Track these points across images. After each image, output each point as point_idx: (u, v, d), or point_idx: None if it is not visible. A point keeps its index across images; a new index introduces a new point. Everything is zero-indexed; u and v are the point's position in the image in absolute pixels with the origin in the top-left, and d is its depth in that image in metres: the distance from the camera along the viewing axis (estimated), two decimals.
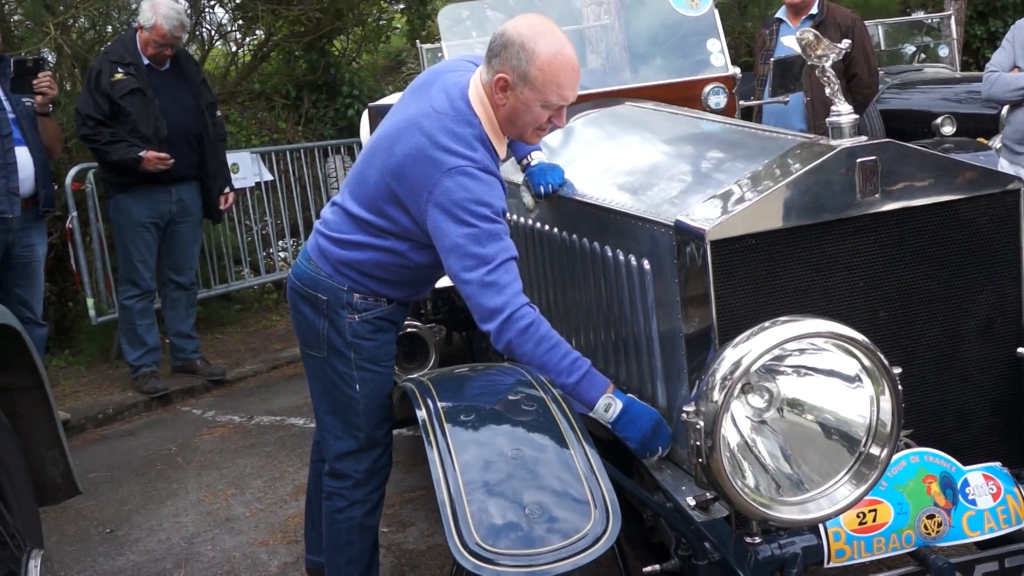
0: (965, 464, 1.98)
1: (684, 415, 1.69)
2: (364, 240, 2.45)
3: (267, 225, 7.38)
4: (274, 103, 8.17)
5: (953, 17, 7.93)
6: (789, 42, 4.84)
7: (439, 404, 1.89)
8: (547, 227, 2.83)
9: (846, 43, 2.08)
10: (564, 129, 3.36)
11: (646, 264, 2.22)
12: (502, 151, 2.40)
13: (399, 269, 2.48)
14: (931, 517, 1.93)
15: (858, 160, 1.92)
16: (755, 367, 1.64)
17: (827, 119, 2.00)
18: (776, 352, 1.67)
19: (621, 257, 2.34)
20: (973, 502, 1.96)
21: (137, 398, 5.51)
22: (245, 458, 4.64)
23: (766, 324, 1.67)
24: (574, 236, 2.63)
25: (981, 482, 1.97)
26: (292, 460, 4.53)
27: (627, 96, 3.57)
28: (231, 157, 6.68)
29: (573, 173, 2.86)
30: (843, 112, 1.97)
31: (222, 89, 7.89)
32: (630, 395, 2.21)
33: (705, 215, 1.98)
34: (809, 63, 2.05)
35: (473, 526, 1.61)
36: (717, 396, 1.64)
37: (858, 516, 1.91)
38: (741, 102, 3.72)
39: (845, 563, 1.93)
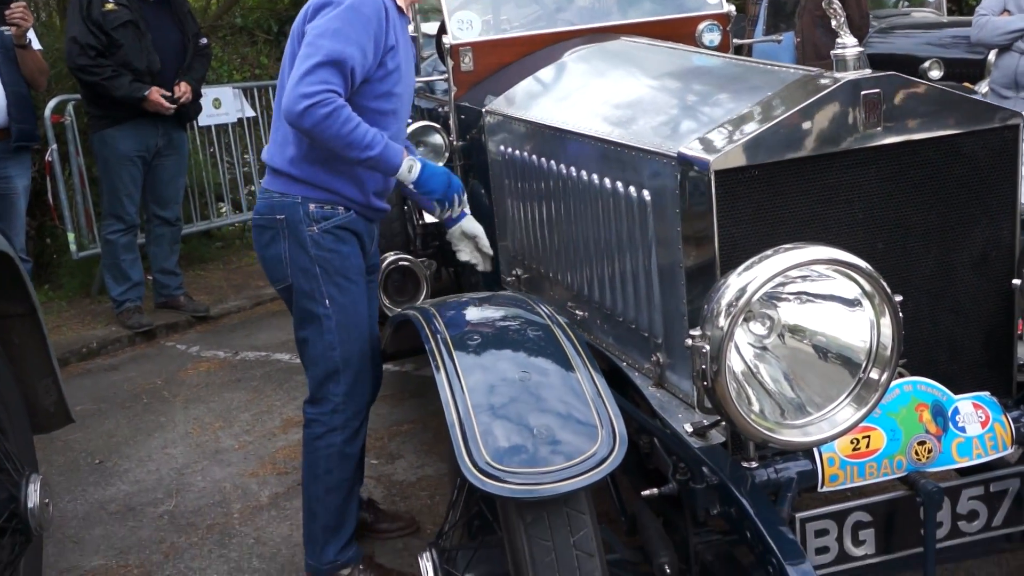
0: (956, 393, 2.02)
1: (689, 340, 1.72)
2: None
3: (249, 162, 7.31)
4: (256, 38, 8.05)
5: None
6: None
7: (445, 329, 1.91)
8: (543, 160, 2.83)
9: None
10: (556, 64, 3.36)
11: (647, 195, 2.23)
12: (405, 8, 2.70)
13: None
14: (922, 443, 1.98)
15: (862, 92, 1.94)
16: (760, 293, 1.66)
17: (832, 51, 2.00)
18: (779, 279, 1.69)
19: (621, 189, 2.35)
20: (963, 429, 2.01)
21: (121, 333, 5.50)
22: (232, 392, 4.66)
23: (770, 251, 1.70)
24: (571, 168, 2.64)
25: (971, 410, 2.02)
26: (279, 394, 4.56)
27: (620, 32, 3.55)
28: (213, 92, 6.60)
29: (568, 107, 2.86)
30: (848, 44, 1.98)
31: (202, 23, 7.76)
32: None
33: (709, 146, 1.99)
34: None
35: (482, 446, 1.64)
36: (723, 322, 1.67)
37: (852, 442, 1.95)
38: (735, 40, 3.71)
39: (838, 487, 1.98)
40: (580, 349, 1.85)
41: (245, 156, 7.29)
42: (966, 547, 2.10)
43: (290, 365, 4.92)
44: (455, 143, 3.60)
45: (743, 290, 1.67)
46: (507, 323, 1.96)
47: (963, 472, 2.07)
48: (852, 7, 4.91)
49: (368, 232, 2.76)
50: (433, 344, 1.88)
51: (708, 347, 1.67)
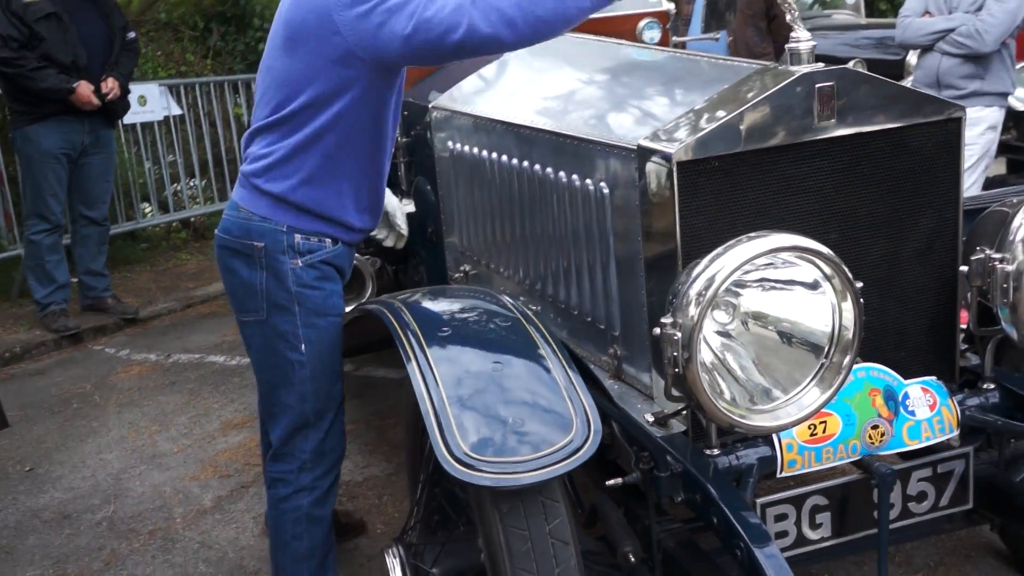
0: (904, 379, 2.09)
1: (658, 329, 1.74)
2: (300, 138, 2.23)
3: (176, 162, 7.17)
4: (181, 34, 7.88)
5: None
6: None
7: (413, 321, 1.90)
8: (495, 155, 2.83)
9: None
10: (500, 61, 3.36)
11: (604, 188, 2.25)
12: None
13: (349, 149, 2.26)
14: (875, 427, 2.04)
15: (817, 85, 1.98)
16: (729, 281, 1.69)
17: (787, 45, 2.05)
18: (747, 267, 1.72)
19: (577, 182, 2.37)
20: (912, 413, 2.07)
21: (46, 336, 5.34)
22: (166, 395, 4.56)
23: (735, 241, 1.73)
24: (525, 163, 2.64)
25: (920, 394, 2.09)
26: (216, 397, 4.47)
27: None
28: (138, 89, 6.45)
29: (518, 102, 2.87)
30: (802, 39, 2.02)
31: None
32: None
33: (669, 138, 2.01)
34: None
35: (459, 436, 1.64)
36: (693, 311, 1.70)
37: (809, 428, 2.00)
38: (674, 38, 3.76)
39: (797, 472, 2.03)
40: (550, 340, 1.86)
41: (171, 156, 7.14)
42: (915, 527, 2.16)
43: (226, 367, 4.84)
44: (399, 139, 3.58)
45: (712, 279, 1.70)
46: (475, 315, 1.96)
47: (905, 457, 2.13)
48: (782, 9, 5.02)
49: (350, 264, 2.51)
50: (403, 337, 1.86)
51: (680, 335, 1.69)
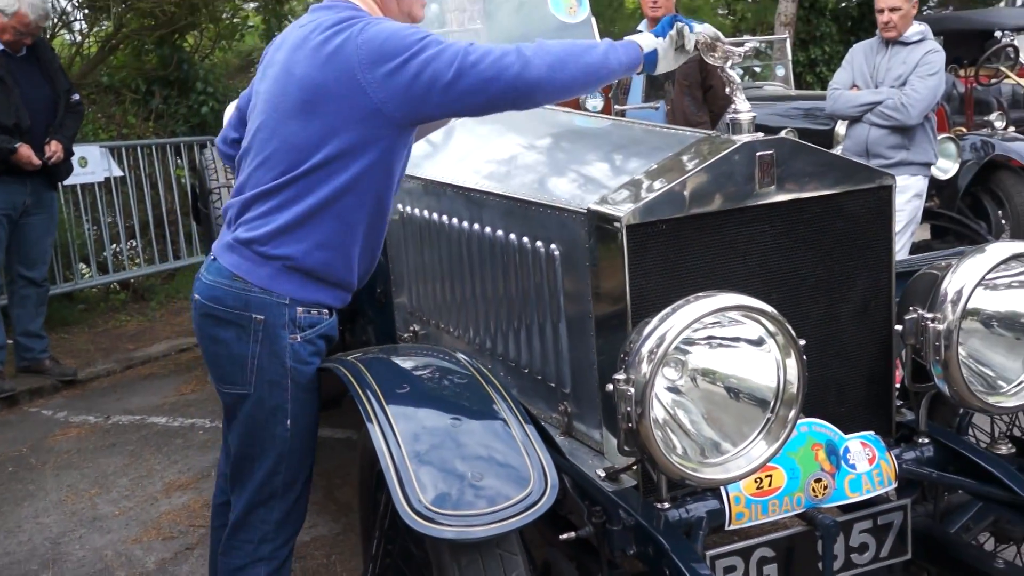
0: (844, 433, 2.17)
1: (612, 385, 1.79)
2: (315, 200, 2.12)
3: (117, 223, 7.11)
4: (123, 97, 7.87)
5: (788, 40, 8.47)
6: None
7: (373, 381, 1.92)
8: (445, 217, 2.89)
9: (741, 48, 2.25)
10: (446, 128, 3.44)
11: (555, 250, 2.31)
12: None
13: (364, 210, 2.19)
14: (818, 481, 2.11)
15: (757, 153, 2.08)
16: (680, 339, 1.76)
17: (728, 116, 2.15)
18: (695, 325, 1.79)
19: (528, 244, 2.43)
20: (853, 466, 2.15)
21: None
22: (106, 457, 4.47)
23: (687, 299, 1.80)
24: (475, 226, 2.70)
25: (859, 448, 2.17)
26: (158, 458, 4.40)
27: None
28: (79, 151, 6.42)
29: (467, 167, 2.93)
30: (742, 110, 2.13)
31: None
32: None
33: (618, 202, 2.09)
34: (710, 61, 2.21)
35: (419, 491, 1.66)
36: (645, 367, 1.75)
37: (756, 481, 2.06)
38: (616, 107, 3.89)
39: (744, 525, 2.08)
40: (506, 396, 1.90)
41: (110, 217, 7.08)
42: None
43: (168, 428, 4.77)
44: None
45: (663, 337, 1.76)
46: (432, 372, 1.99)
47: (845, 510, 2.19)
48: (716, 78, 5.21)
49: (337, 333, 2.39)
50: (362, 395, 1.89)
51: (632, 391, 1.75)
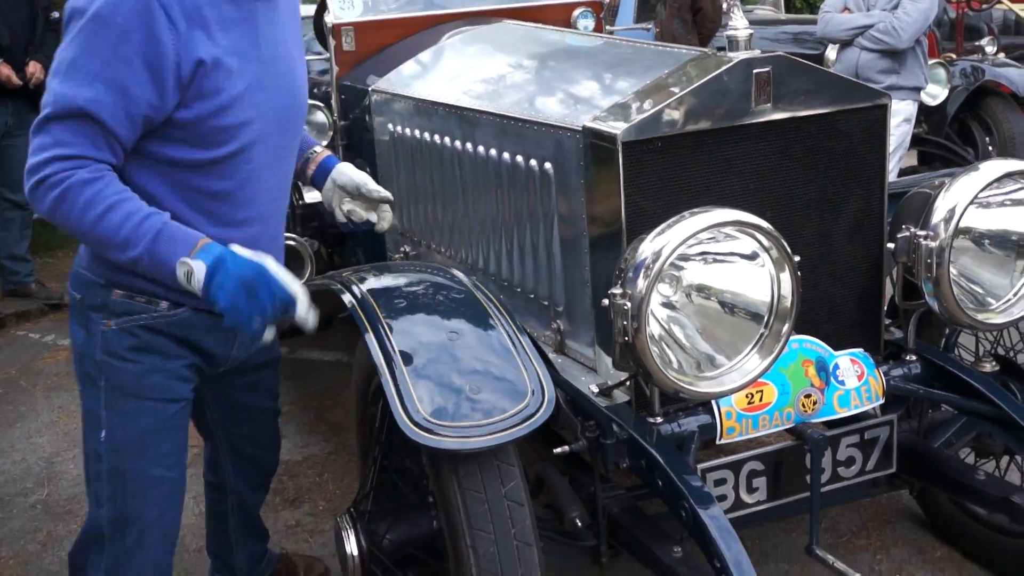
0: (835, 350, 2.19)
1: (608, 300, 1.81)
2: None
3: None
4: None
5: None
6: None
7: (367, 294, 1.93)
8: (437, 137, 2.87)
9: None
10: (437, 46, 3.40)
11: (549, 168, 2.31)
12: None
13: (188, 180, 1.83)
14: (808, 396, 2.14)
15: (754, 71, 2.07)
16: (675, 254, 1.76)
17: (726, 32, 2.13)
18: (691, 241, 1.80)
19: (522, 163, 2.42)
20: (842, 382, 2.18)
21: None
22: None
23: (682, 215, 1.80)
24: (468, 145, 2.68)
25: (849, 365, 2.20)
26: None
27: (496, 16, 3.62)
28: None
29: (459, 86, 2.90)
30: (740, 27, 2.10)
31: None
32: (232, 247, 1.76)
33: (615, 119, 2.08)
34: None
35: (418, 403, 1.68)
36: (641, 283, 1.77)
37: (747, 396, 2.09)
38: (608, 28, 3.84)
39: (735, 439, 2.12)
40: (502, 311, 1.91)
41: None
42: (843, 491, 2.28)
43: None
44: (338, 122, 3.59)
45: (659, 252, 1.77)
46: (429, 288, 2.00)
47: (832, 425, 2.23)
48: (707, 2, 5.16)
49: (198, 334, 1.94)
50: (359, 308, 1.89)
51: (629, 305, 1.76)
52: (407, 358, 1.76)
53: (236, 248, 1.77)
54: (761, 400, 2.11)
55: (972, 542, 2.77)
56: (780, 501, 2.20)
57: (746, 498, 2.16)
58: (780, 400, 2.12)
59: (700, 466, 2.09)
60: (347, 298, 1.96)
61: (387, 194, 2.23)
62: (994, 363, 2.49)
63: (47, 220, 1.78)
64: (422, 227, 3.13)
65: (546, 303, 2.44)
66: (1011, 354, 2.63)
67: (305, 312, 1.76)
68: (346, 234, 3.82)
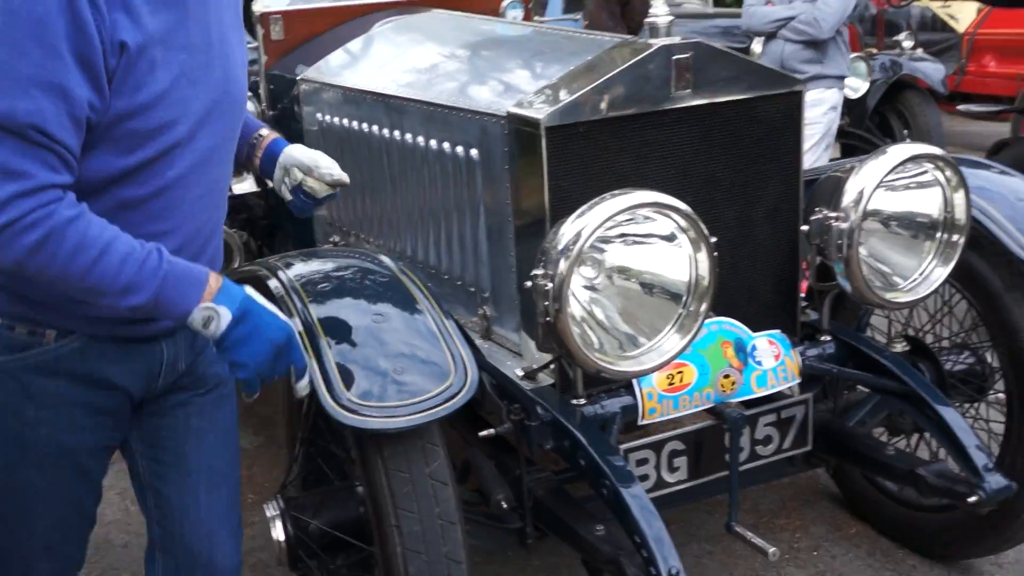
0: (753, 332, 2.25)
1: (531, 281, 1.84)
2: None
3: None
4: None
5: None
6: None
7: (293, 279, 1.93)
8: (365, 125, 2.87)
9: None
10: (367, 35, 3.39)
11: (475, 154, 2.33)
12: None
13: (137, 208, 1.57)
14: (727, 376, 2.19)
15: (674, 57, 2.11)
16: (595, 235, 1.80)
17: (646, 19, 2.17)
18: (610, 223, 1.84)
19: (448, 150, 2.43)
20: (760, 363, 2.24)
21: None
22: None
23: (602, 197, 1.84)
24: (396, 133, 2.69)
25: (766, 346, 2.26)
26: None
27: (423, 5, 3.63)
28: None
29: (387, 74, 2.91)
30: (660, 14, 2.15)
31: None
32: (250, 295, 1.58)
33: (538, 105, 2.11)
34: None
35: (343, 385, 1.69)
36: (563, 264, 1.80)
37: (668, 377, 2.14)
38: (536, 18, 3.87)
39: (656, 419, 2.16)
40: (427, 294, 1.92)
41: None
42: (761, 470, 2.35)
43: None
44: (267, 112, 3.56)
45: (579, 234, 1.80)
46: (354, 273, 2.00)
47: (750, 405, 2.29)
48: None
49: (131, 368, 1.67)
50: (284, 293, 1.89)
51: (550, 286, 1.79)
52: (332, 342, 1.77)
53: (252, 293, 1.59)
54: (681, 381, 2.16)
55: (884, 518, 2.88)
56: (701, 480, 2.26)
57: (668, 477, 2.21)
58: (700, 381, 2.18)
59: (623, 446, 2.13)
60: (273, 284, 1.96)
61: (342, 176, 2.03)
62: (905, 343, 2.58)
63: (4, 269, 1.46)
64: (351, 217, 3.13)
65: (473, 289, 2.47)
66: (920, 334, 2.73)
67: (307, 383, 1.67)
68: (275, 227, 3.81)
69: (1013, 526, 2.54)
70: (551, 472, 2.26)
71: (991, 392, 2.67)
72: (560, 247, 1.80)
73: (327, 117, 3.14)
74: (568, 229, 1.82)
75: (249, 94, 3.51)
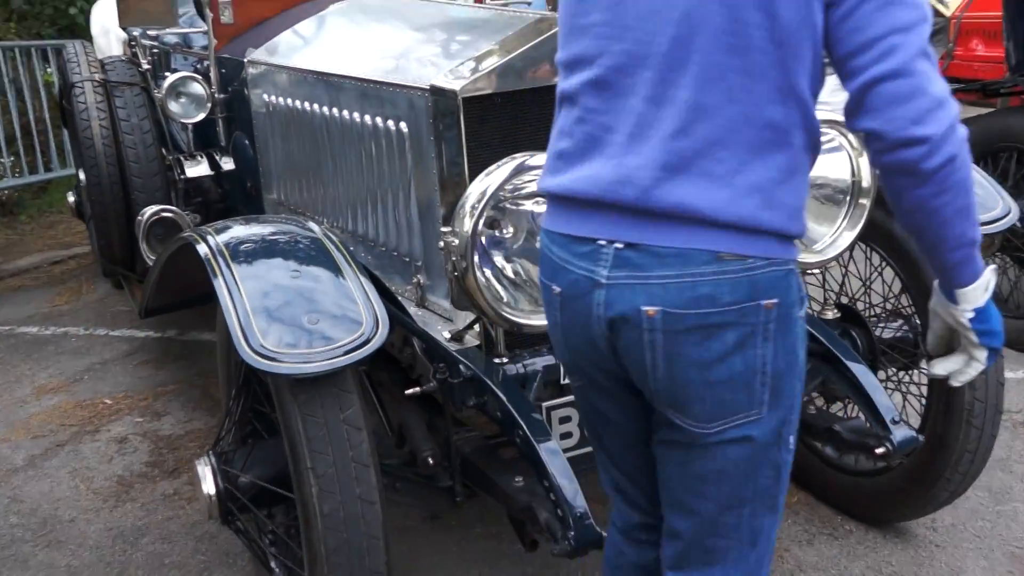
0: None
1: (441, 241, 2.06)
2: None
3: None
4: None
5: None
6: None
7: (219, 242, 2.15)
8: (307, 105, 3.09)
9: None
10: (317, 17, 3.62)
11: (404, 127, 2.55)
12: None
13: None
14: None
15: None
16: (497, 192, 2.02)
17: None
18: (514, 182, 2.06)
19: (380, 124, 2.65)
20: None
21: None
22: None
23: (510, 157, 2.06)
24: (334, 110, 2.91)
25: None
26: (28, 364, 4.56)
27: None
28: None
29: (331, 54, 3.13)
30: None
31: None
32: None
33: (457, 76, 2.33)
34: None
35: (259, 334, 1.90)
36: (468, 222, 2.02)
37: None
38: (490, 0, 4.09)
39: None
40: (345, 254, 2.13)
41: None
42: None
43: (39, 337, 4.90)
44: (216, 95, 3.79)
45: (484, 192, 2.03)
46: (279, 236, 2.22)
47: None
48: None
49: None
50: (211, 255, 2.11)
51: (457, 242, 2.01)
52: (252, 296, 1.99)
53: None
54: None
55: (824, 485, 3.10)
56: None
57: None
58: None
59: (545, 404, 2.35)
60: (201, 248, 2.18)
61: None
62: (836, 311, 2.80)
63: (937, 169, 1.44)
64: (298, 197, 3.35)
65: (407, 259, 2.69)
66: (853, 302, 2.95)
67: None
68: (230, 209, 4.03)
69: (937, 485, 2.75)
70: (478, 434, 2.48)
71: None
72: (467, 205, 2.03)
73: (273, 98, 3.36)
74: (475, 188, 2.04)
75: (198, 77, 3.77)
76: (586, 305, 1.59)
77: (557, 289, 1.64)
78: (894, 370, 2.97)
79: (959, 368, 1.73)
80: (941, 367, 1.75)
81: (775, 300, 1.54)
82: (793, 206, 1.54)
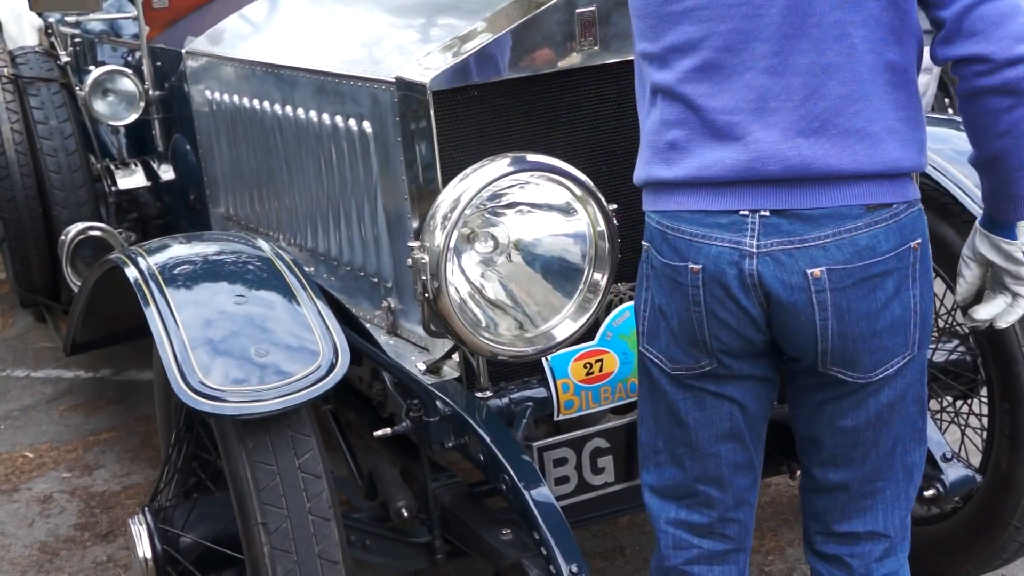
0: None
1: (410, 258, 2.13)
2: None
3: None
4: None
5: None
6: None
7: (153, 266, 2.21)
8: (256, 102, 3.17)
9: None
10: (271, 3, 3.70)
11: (367, 127, 2.62)
12: None
13: None
14: None
15: (577, 11, 2.40)
16: (473, 202, 2.09)
17: None
18: (492, 189, 2.13)
19: (341, 124, 2.73)
20: None
21: None
22: None
23: (487, 160, 2.13)
24: (287, 108, 2.99)
25: None
26: None
27: None
28: None
29: (283, 44, 3.21)
30: None
31: None
32: None
33: (426, 67, 2.40)
34: None
35: (198, 370, 1.96)
36: (439, 235, 2.09)
37: (585, 367, 2.43)
38: None
39: (574, 414, 2.44)
40: (302, 279, 2.19)
41: None
42: None
43: None
44: (151, 93, 3.87)
45: (457, 201, 2.10)
46: (223, 256, 2.28)
47: None
48: None
49: None
50: (141, 280, 2.17)
51: (427, 259, 2.08)
52: (190, 326, 2.05)
53: None
54: (601, 370, 2.45)
55: None
56: (633, 482, 2.52)
57: (592, 479, 2.48)
58: (622, 370, 2.46)
59: (536, 444, 2.41)
60: (131, 272, 2.25)
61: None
62: None
63: (1021, 99, 1.77)
64: (248, 211, 3.43)
65: (375, 280, 2.76)
66: None
67: None
68: (170, 226, 4.11)
69: (1004, 535, 2.79)
70: (460, 481, 2.54)
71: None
72: (438, 217, 2.10)
73: (217, 95, 3.44)
74: (447, 196, 2.11)
75: (129, 72, 3.84)
76: (735, 277, 1.87)
77: (696, 267, 1.90)
78: (949, 399, 3.01)
79: (1001, 311, 2.08)
80: (984, 311, 2.08)
81: (919, 240, 1.92)
82: (921, 140, 1.91)
